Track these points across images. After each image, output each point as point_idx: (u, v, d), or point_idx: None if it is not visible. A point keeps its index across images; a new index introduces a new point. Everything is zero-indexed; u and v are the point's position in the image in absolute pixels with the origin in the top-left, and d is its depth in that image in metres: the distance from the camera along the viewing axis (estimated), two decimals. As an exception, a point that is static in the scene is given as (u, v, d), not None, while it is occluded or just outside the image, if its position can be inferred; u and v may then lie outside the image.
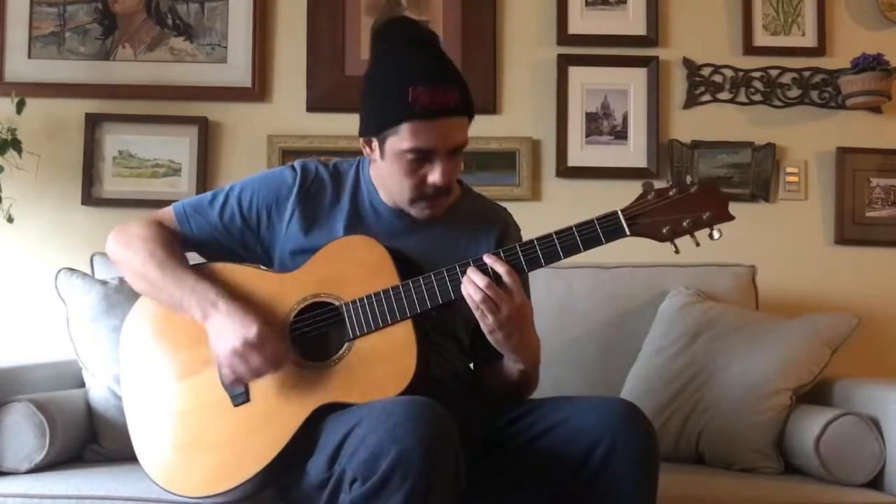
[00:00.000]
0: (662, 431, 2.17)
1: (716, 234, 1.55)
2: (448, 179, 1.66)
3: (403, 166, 1.65)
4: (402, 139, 1.62)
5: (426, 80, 1.60)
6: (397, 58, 1.65)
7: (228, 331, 1.60)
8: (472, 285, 1.55)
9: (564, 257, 1.59)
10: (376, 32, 1.72)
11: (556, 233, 1.59)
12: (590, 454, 1.50)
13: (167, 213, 1.81)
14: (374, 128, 1.67)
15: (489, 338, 1.59)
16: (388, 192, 1.74)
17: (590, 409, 1.55)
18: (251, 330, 1.58)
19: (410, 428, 1.38)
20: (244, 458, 1.60)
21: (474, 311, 1.56)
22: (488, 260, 1.57)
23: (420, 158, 1.64)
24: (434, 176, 1.64)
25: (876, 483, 1.98)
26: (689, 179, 1.59)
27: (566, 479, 1.52)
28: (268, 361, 1.59)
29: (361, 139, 1.73)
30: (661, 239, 1.57)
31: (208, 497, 1.62)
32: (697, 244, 1.57)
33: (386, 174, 1.71)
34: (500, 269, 1.56)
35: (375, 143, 1.69)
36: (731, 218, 1.56)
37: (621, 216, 1.56)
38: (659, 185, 1.60)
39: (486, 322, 1.56)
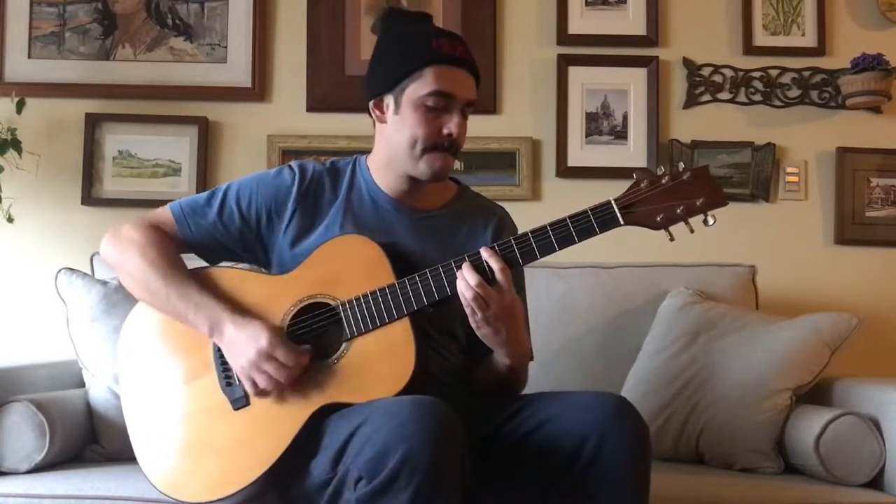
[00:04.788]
0: (662, 431, 2.18)
1: (710, 220, 1.55)
2: (461, 133, 1.69)
3: (421, 115, 1.68)
4: (425, 83, 1.67)
5: (445, 35, 1.72)
6: (412, 24, 1.76)
7: (241, 345, 1.61)
8: (464, 282, 1.57)
9: (559, 249, 1.59)
10: (386, 17, 1.80)
11: (551, 225, 1.59)
12: (579, 450, 1.49)
13: (164, 214, 1.79)
14: (394, 79, 1.70)
15: (477, 333, 1.62)
16: (398, 156, 1.73)
17: (580, 404, 1.55)
18: (261, 340, 1.59)
19: (418, 427, 1.38)
20: (246, 461, 1.60)
21: (465, 308, 1.58)
22: (484, 254, 1.58)
23: (438, 107, 1.67)
24: (451, 126, 1.68)
25: (876, 483, 1.98)
26: (681, 166, 1.58)
27: (556, 475, 1.52)
28: (283, 368, 1.59)
29: (372, 102, 1.75)
30: (656, 227, 1.57)
31: (211, 502, 1.62)
32: (692, 231, 1.57)
33: (397, 131, 1.71)
34: (495, 265, 1.57)
35: (390, 100, 1.72)
36: (725, 203, 1.56)
37: (615, 205, 1.57)
38: (652, 174, 1.59)
39: (474, 318, 1.58)
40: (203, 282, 1.71)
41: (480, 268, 1.58)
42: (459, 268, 1.59)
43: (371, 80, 1.76)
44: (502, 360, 1.69)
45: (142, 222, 1.77)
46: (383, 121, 1.74)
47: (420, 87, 1.67)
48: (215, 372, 1.67)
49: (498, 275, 1.57)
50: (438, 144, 1.69)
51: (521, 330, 1.67)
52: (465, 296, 1.56)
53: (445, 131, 1.68)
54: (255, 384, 1.61)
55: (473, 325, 1.60)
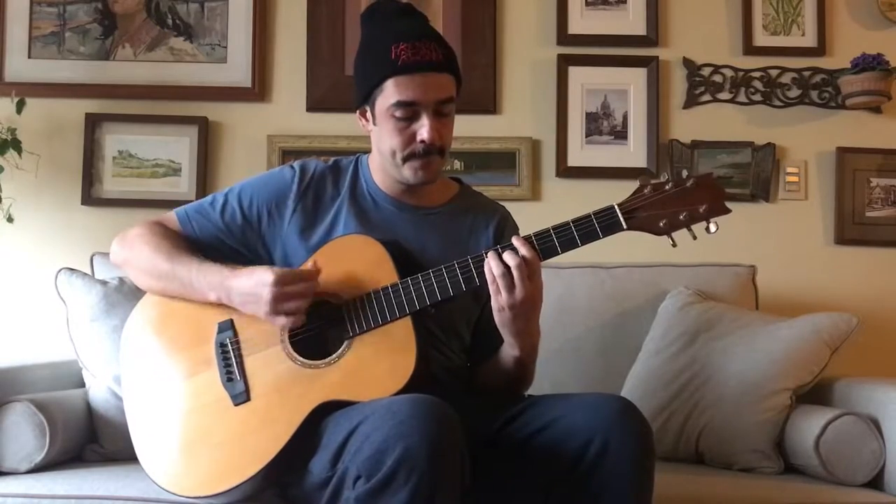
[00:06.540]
0: (662, 431, 2.18)
1: (712, 228, 1.56)
2: (436, 136, 1.69)
3: (393, 125, 1.69)
4: (387, 96, 1.68)
5: (407, 38, 1.68)
6: (381, 26, 1.72)
7: (256, 288, 1.62)
8: (497, 259, 1.57)
9: (562, 252, 1.60)
10: (363, 16, 1.79)
11: (554, 228, 1.59)
12: (583, 452, 1.50)
13: (169, 216, 1.84)
14: (365, 93, 1.72)
15: (496, 316, 1.61)
16: (385, 163, 1.76)
17: (584, 406, 1.55)
18: (269, 276, 1.61)
19: (416, 425, 1.39)
20: (245, 457, 1.60)
21: (490, 285, 1.57)
22: (517, 242, 1.58)
23: (407, 116, 1.68)
24: (422, 132, 1.68)
25: (876, 483, 1.98)
26: (684, 173, 1.59)
27: (560, 477, 1.52)
28: (304, 284, 1.61)
29: (357, 113, 1.78)
30: (658, 232, 1.58)
31: (210, 497, 1.62)
32: (694, 237, 1.57)
33: (379, 141, 1.74)
34: (527, 253, 1.57)
35: (368, 111, 1.74)
36: (728, 211, 1.57)
37: (618, 210, 1.57)
38: (655, 180, 1.60)
39: (498, 299, 1.58)
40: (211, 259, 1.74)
41: (515, 255, 1.57)
42: (463, 270, 1.60)
43: (354, 92, 1.78)
44: (511, 353, 1.69)
45: (146, 222, 1.82)
46: (368, 130, 1.78)
47: (384, 99, 1.68)
48: (216, 367, 1.68)
49: (531, 264, 1.57)
50: (415, 152, 1.70)
51: (536, 324, 1.67)
52: (493, 272, 1.56)
53: (419, 138, 1.69)
54: (286, 312, 1.61)
55: (495, 307, 1.60)
